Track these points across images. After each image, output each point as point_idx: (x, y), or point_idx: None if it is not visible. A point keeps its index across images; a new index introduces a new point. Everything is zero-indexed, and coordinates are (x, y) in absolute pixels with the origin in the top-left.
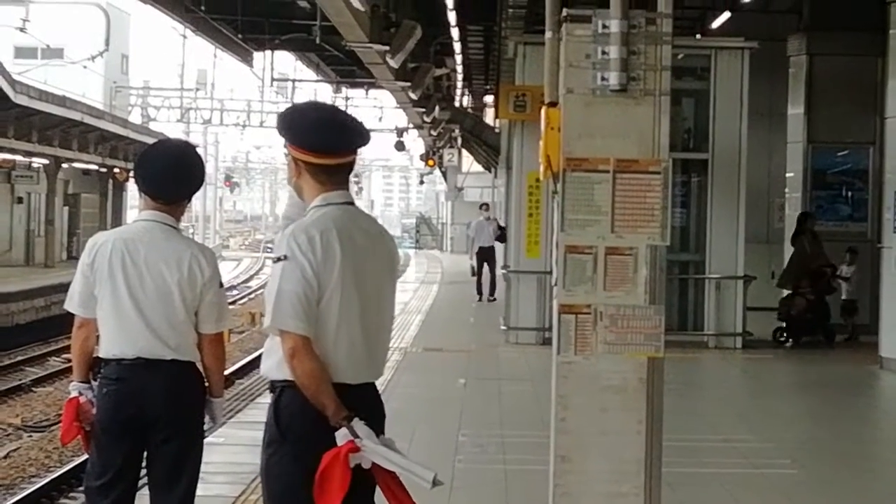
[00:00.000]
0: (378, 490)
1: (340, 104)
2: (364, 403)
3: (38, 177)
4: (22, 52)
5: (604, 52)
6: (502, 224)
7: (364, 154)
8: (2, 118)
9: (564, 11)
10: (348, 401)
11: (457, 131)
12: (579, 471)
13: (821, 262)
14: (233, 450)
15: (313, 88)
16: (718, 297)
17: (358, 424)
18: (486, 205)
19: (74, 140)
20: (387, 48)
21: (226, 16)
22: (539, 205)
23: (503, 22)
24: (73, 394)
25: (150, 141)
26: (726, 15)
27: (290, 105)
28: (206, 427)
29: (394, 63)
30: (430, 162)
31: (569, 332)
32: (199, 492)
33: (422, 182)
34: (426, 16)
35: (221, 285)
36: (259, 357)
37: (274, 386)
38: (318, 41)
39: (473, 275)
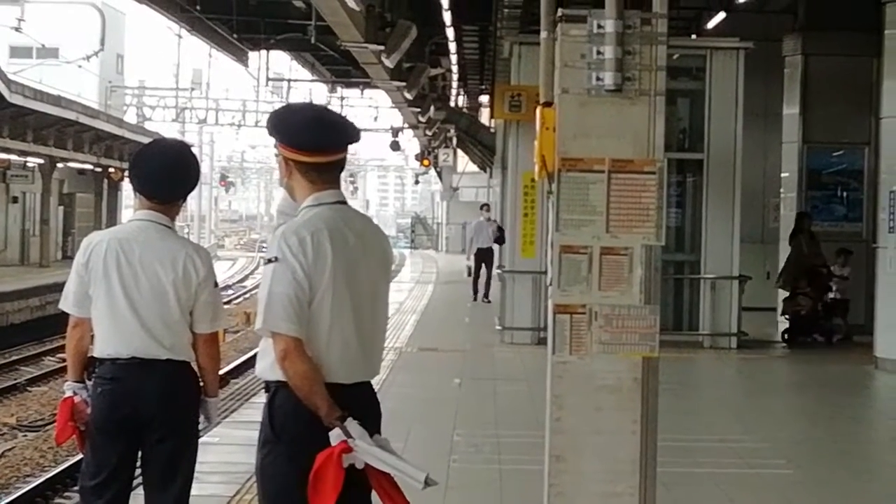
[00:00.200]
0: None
1: (336, 104)
2: (359, 403)
3: (34, 176)
4: (17, 52)
5: (599, 52)
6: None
7: (359, 154)
8: None
9: (560, 11)
10: (342, 401)
11: (452, 131)
12: (574, 471)
13: (816, 261)
14: (228, 449)
15: (308, 88)
16: (713, 297)
17: (351, 424)
18: (487, 205)
19: (69, 140)
20: (382, 48)
21: (221, 15)
22: (534, 205)
23: (498, 22)
24: (68, 393)
25: (146, 141)
26: (721, 15)
27: (278, 105)
28: (200, 427)
29: (389, 63)
30: (426, 162)
31: (564, 332)
32: (193, 491)
33: (417, 182)
34: (421, 16)
35: (216, 285)
36: (254, 357)
37: (268, 386)
38: (313, 41)
39: (469, 275)
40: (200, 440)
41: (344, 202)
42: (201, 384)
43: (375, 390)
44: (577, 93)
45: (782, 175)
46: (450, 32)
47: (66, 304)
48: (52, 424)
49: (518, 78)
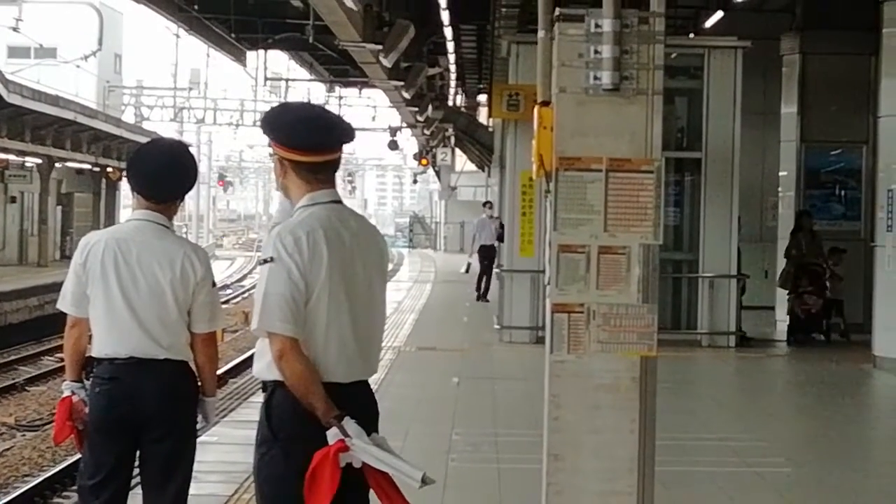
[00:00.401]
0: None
1: (334, 103)
2: (356, 402)
3: (32, 176)
4: (15, 52)
5: (596, 52)
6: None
7: (357, 153)
8: None
9: (557, 10)
10: (340, 400)
11: (450, 130)
12: (572, 469)
13: (810, 259)
14: (226, 449)
15: (306, 88)
16: (712, 296)
17: (348, 423)
18: (490, 203)
19: (67, 139)
20: (380, 47)
21: (219, 15)
22: (533, 204)
23: (496, 21)
24: (66, 393)
25: (144, 140)
26: (719, 14)
27: (273, 104)
28: (199, 426)
29: (387, 62)
30: (424, 161)
31: (562, 331)
32: (192, 491)
33: (415, 181)
34: (419, 15)
35: (214, 285)
36: (253, 356)
37: (265, 386)
38: (311, 40)
39: (467, 272)
40: (199, 439)
41: (339, 201)
42: (199, 384)
43: (373, 389)
44: (574, 92)
45: (780, 174)
46: (448, 32)
47: (64, 303)
48: (50, 424)
49: (516, 77)
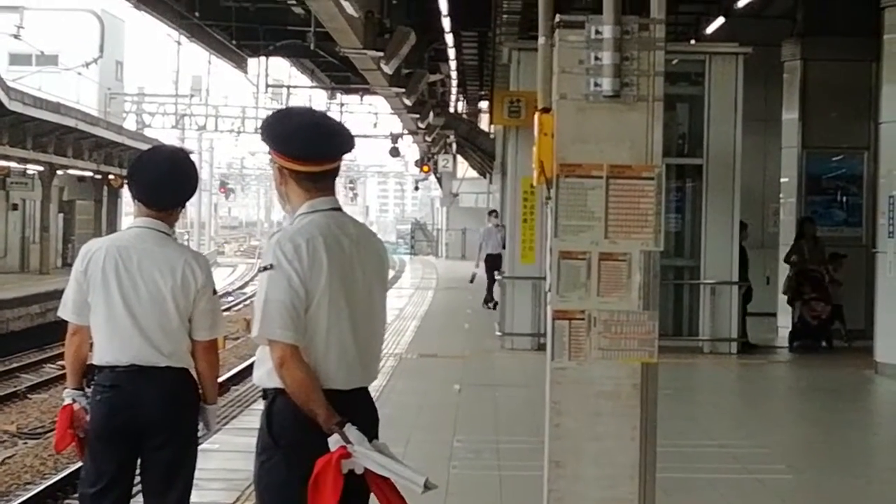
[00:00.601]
0: (373, 495)
1: (335, 110)
2: (356, 409)
3: (33, 183)
4: (16, 59)
5: (597, 58)
6: None
7: (359, 160)
8: None
9: (557, 17)
10: (340, 406)
11: (451, 137)
12: (573, 476)
13: (810, 266)
14: (228, 456)
15: (308, 94)
16: (713, 303)
17: (350, 430)
18: (495, 211)
19: (69, 147)
20: (381, 54)
21: (220, 22)
22: (534, 210)
23: (497, 28)
24: (67, 401)
25: (145, 147)
26: (720, 20)
27: (273, 111)
28: (200, 434)
29: (388, 69)
30: (425, 168)
31: (562, 338)
32: (193, 498)
33: (417, 188)
34: (420, 22)
35: (215, 292)
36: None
37: (266, 393)
38: (312, 47)
39: (472, 282)
40: (200, 447)
41: (339, 209)
42: (200, 391)
43: (375, 396)
44: (575, 98)
45: (782, 180)
46: (449, 38)
47: (65, 311)
48: (52, 432)
49: (517, 84)
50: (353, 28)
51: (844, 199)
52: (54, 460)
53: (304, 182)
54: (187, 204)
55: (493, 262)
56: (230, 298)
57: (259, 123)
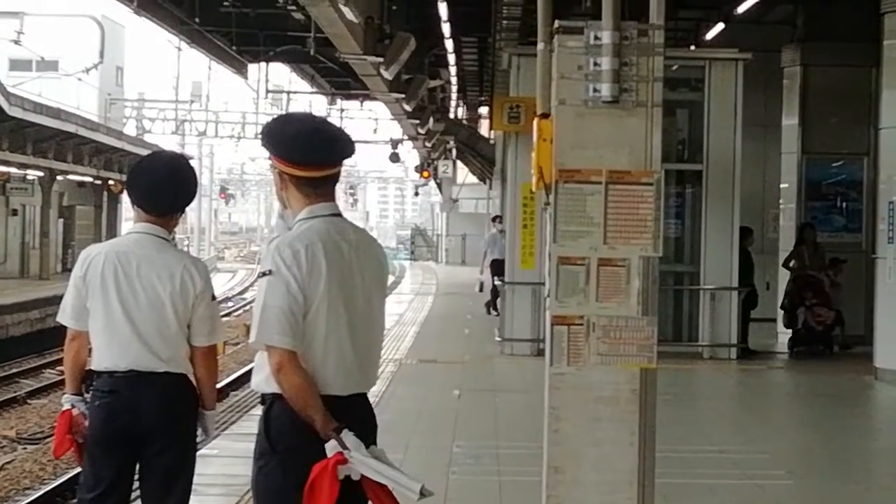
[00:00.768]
0: (370, 502)
1: (335, 116)
2: (354, 415)
3: (33, 189)
4: (17, 65)
5: (596, 64)
6: None
7: (359, 166)
8: None
9: (557, 23)
10: (338, 412)
11: (451, 143)
12: (573, 482)
13: (809, 272)
14: (226, 462)
15: (308, 100)
16: (713, 308)
17: (347, 436)
18: (500, 217)
19: (69, 152)
20: (381, 60)
21: (220, 28)
22: (534, 216)
23: (497, 33)
24: (66, 406)
25: (145, 153)
26: (720, 26)
27: (274, 116)
28: (198, 440)
29: (388, 74)
30: (425, 173)
31: (561, 344)
32: (192, 503)
33: (417, 194)
34: (420, 27)
35: (214, 298)
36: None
37: (264, 398)
38: (312, 53)
39: (480, 291)
40: (200, 452)
41: (339, 214)
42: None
43: (372, 402)
44: (574, 104)
45: (782, 186)
46: (449, 44)
47: (64, 316)
48: (51, 437)
49: (517, 89)
50: (352, 33)
51: (844, 204)
52: (53, 465)
53: (304, 187)
54: (187, 209)
55: (498, 268)
56: (230, 304)
57: (259, 129)
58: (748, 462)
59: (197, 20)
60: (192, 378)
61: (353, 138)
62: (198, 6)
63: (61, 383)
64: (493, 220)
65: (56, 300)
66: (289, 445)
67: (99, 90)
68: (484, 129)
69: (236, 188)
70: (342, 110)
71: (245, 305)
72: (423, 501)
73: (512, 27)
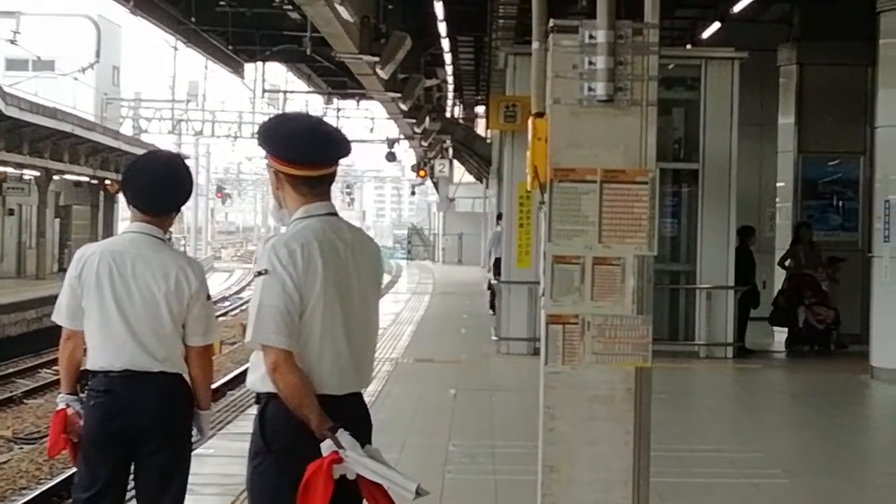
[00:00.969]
0: (365, 501)
1: (332, 115)
2: (350, 414)
3: (30, 189)
4: (13, 64)
5: (590, 63)
6: None
7: (356, 165)
8: None
9: (551, 22)
10: (333, 412)
11: (448, 142)
12: (567, 481)
13: (805, 271)
14: (222, 461)
15: (304, 99)
16: (709, 307)
17: (342, 435)
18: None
19: (65, 152)
20: (377, 59)
21: (216, 27)
22: (530, 215)
23: (493, 33)
24: (61, 406)
25: (142, 152)
26: (716, 25)
27: (270, 116)
28: (193, 440)
29: (384, 74)
30: (422, 173)
31: (556, 343)
32: (187, 503)
33: (413, 193)
34: (416, 27)
35: (209, 298)
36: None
37: (259, 398)
38: (308, 52)
39: (489, 288)
40: (195, 452)
41: (335, 214)
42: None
43: (368, 401)
44: (568, 103)
45: (778, 185)
46: (445, 43)
47: (59, 316)
48: (47, 437)
49: (513, 88)
50: (348, 33)
51: (840, 203)
52: (49, 465)
53: (300, 187)
54: (183, 209)
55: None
56: (227, 303)
57: (255, 128)
58: (744, 461)
59: (193, 20)
60: (187, 378)
61: (350, 137)
62: (194, 6)
63: (58, 383)
64: (498, 218)
65: (52, 300)
66: (284, 445)
67: (95, 90)
68: (480, 128)
69: (233, 188)
70: (338, 109)
71: (241, 305)
72: (418, 501)
73: (508, 26)
